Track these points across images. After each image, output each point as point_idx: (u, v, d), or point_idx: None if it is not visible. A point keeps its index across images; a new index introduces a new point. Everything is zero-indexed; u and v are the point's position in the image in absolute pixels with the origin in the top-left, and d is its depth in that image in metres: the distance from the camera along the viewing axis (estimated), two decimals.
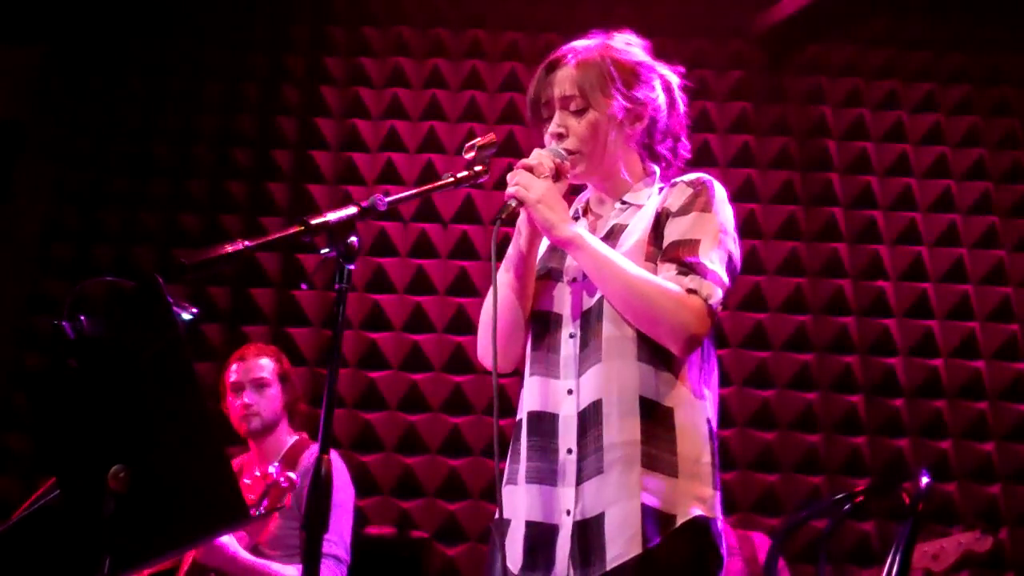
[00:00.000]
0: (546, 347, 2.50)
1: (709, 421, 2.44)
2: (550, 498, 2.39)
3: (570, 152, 2.52)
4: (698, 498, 2.34)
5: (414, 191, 2.41)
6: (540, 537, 2.39)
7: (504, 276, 2.53)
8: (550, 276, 2.56)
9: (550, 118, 2.57)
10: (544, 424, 2.44)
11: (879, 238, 5.73)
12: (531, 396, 2.50)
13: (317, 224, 2.07)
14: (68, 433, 2.15)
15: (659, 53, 6.31)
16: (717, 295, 2.36)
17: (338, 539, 3.74)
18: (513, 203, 2.39)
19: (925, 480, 3.17)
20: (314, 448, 3.72)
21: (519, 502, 2.46)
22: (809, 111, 6.01)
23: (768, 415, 5.42)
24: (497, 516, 2.40)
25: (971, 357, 5.51)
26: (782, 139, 5.92)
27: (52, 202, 5.82)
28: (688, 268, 2.37)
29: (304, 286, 5.60)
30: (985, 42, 6.11)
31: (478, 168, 2.44)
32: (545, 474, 2.41)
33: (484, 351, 2.54)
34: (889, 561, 3.03)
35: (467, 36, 6.10)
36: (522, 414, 2.52)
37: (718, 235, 2.45)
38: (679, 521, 2.30)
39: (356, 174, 5.82)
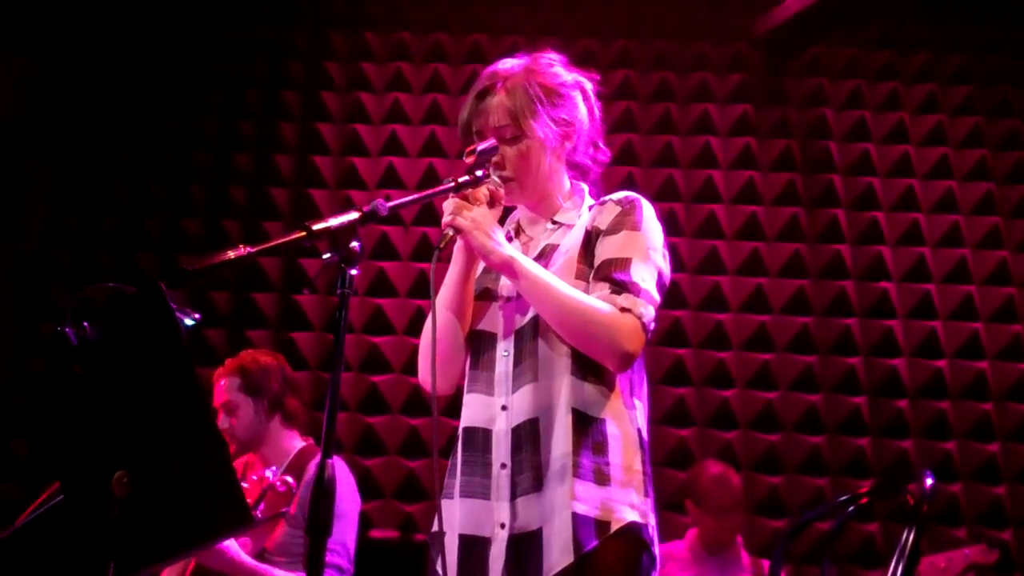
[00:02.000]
0: (482, 365, 2.58)
1: (640, 431, 2.52)
2: (483, 512, 2.47)
3: (507, 179, 2.59)
4: (631, 505, 2.42)
5: (415, 196, 2.45)
6: (473, 550, 2.46)
7: (443, 300, 2.60)
8: (486, 296, 2.64)
9: None
10: (477, 440, 2.53)
11: (881, 239, 5.73)
12: (467, 413, 2.58)
13: (319, 229, 2.08)
14: (71, 438, 2.16)
15: (661, 56, 6.34)
16: (650, 313, 2.45)
17: (341, 548, 3.72)
18: (451, 231, 2.46)
19: (929, 481, 3.17)
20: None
21: (454, 516, 2.52)
22: (810, 113, 6.02)
23: (772, 416, 5.43)
24: (434, 529, 2.47)
25: (975, 358, 5.51)
26: (783, 141, 5.93)
27: (54, 207, 5.84)
28: (621, 287, 2.45)
29: (306, 291, 5.62)
30: (986, 43, 6.11)
31: (479, 172, 2.48)
32: (478, 488, 2.49)
33: (424, 375, 2.58)
34: (893, 563, 3.03)
35: (467, 40, 6.11)
36: (459, 430, 2.59)
37: (648, 253, 2.52)
38: (613, 527, 2.38)
39: (357, 178, 5.83)
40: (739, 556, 4.63)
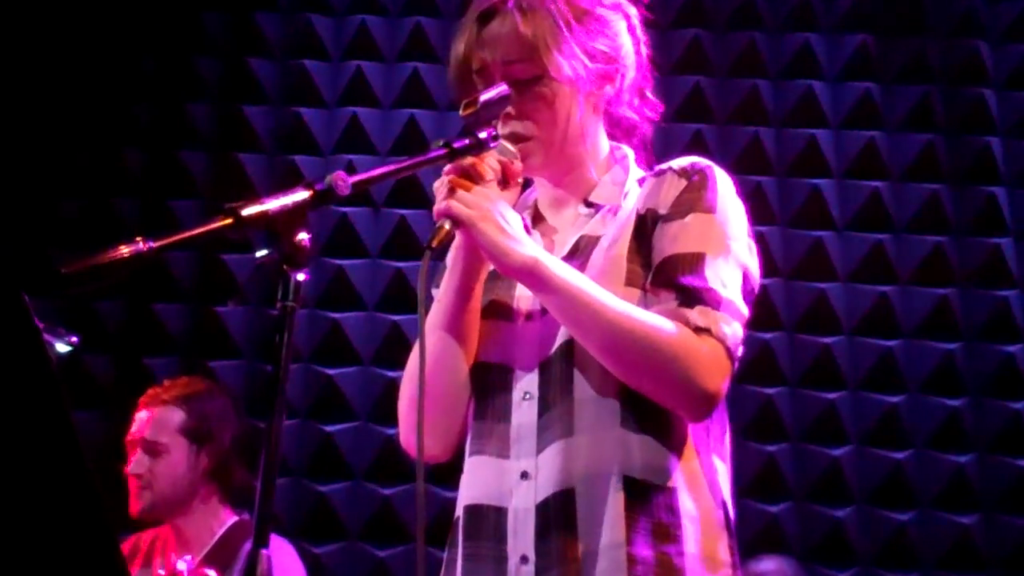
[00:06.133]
0: (491, 414, 2.49)
1: (725, 504, 2.45)
2: None
3: (520, 139, 2.50)
4: None
5: (390, 168, 2.38)
6: None
7: (436, 322, 2.50)
8: (497, 313, 2.56)
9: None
10: (487, 523, 2.44)
11: None
12: (471, 484, 2.51)
13: (251, 215, 2.02)
14: None
15: None
16: (737, 333, 2.38)
17: None
18: (447, 224, 2.33)
19: None
20: None
21: None
22: None
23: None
24: None
25: None
26: None
27: None
28: (693, 297, 2.36)
29: (231, 302, 5.62)
30: None
31: (484, 134, 2.39)
32: None
33: (408, 434, 2.51)
34: None
35: None
36: (459, 510, 2.52)
37: (728, 245, 2.44)
38: None
39: (308, 140, 5.85)
40: None
